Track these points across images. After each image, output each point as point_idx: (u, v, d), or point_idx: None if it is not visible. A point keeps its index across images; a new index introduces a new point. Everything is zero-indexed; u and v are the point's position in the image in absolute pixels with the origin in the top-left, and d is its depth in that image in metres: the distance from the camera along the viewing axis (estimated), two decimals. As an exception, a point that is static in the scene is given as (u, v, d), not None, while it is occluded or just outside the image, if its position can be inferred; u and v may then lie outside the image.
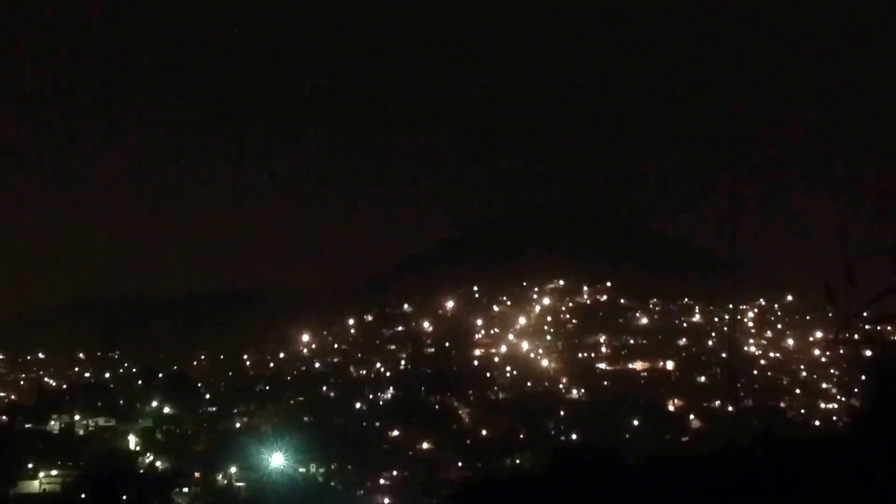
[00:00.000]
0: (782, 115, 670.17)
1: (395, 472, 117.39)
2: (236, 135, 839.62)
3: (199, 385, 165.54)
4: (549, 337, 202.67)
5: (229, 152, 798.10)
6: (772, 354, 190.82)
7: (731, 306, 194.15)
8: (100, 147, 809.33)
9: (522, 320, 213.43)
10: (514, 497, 37.56)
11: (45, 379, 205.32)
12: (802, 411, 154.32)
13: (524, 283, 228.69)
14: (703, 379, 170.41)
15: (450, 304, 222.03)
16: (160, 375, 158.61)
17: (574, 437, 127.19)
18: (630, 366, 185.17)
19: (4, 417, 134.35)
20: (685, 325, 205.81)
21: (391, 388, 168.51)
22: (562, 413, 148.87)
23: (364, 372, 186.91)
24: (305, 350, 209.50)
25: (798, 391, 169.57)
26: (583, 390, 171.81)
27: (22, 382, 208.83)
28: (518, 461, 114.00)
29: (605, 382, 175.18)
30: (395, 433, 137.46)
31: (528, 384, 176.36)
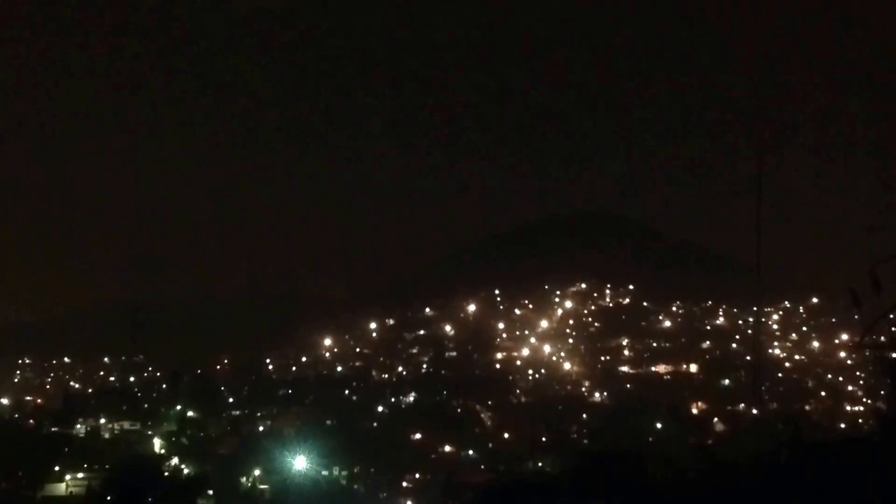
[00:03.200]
0: (809, 115, 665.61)
1: (417, 475, 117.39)
2: (262, 140, 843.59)
3: (223, 389, 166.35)
4: (571, 340, 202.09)
5: (253, 158, 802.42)
6: (797, 357, 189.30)
7: (755, 308, 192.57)
8: (124, 154, 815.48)
9: (544, 323, 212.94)
10: (537, 501, 37.52)
11: (71, 383, 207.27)
12: (828, 415, 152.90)
13: (546, 287, 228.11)
14: (727, 382, 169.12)
15: (471, 308, 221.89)
16: (184, 379, 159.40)
17: (596, 440, 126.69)
18: (653, 369, 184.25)
19: (31, 421, 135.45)
20: (709, 327, 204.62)
21: (413, 391, 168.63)
22: (584, 416, 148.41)
23: (386, 375, 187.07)
24: (327, 354, 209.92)
25: (823, 394, 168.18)
26: (605, 393, 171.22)
27: (48, 386, 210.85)
28: (540, 464, 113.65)
29: (628, 385, 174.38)
30: (418, 436, 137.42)
31: (551, 387, 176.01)
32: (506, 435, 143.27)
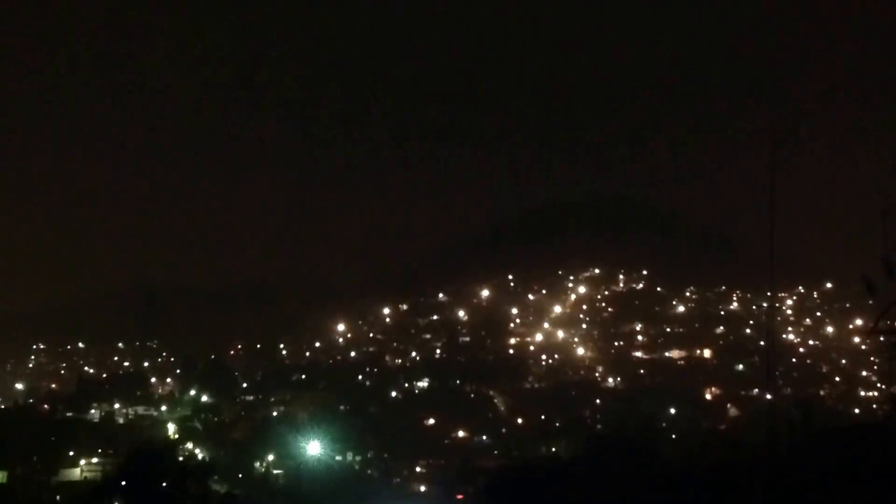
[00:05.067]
0: (822, 98, 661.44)
1: (430, 460, 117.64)
2: (274, 128, 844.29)
3: (236, 374, 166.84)
4: (584, 325, 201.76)
5: (264, 145, 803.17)
6: (811, 342, 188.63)
7: (769, 294, 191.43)
8: (136, 141, 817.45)
9: (558, 309, 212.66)
10: (550, 485, 37.52)
11: (85, 368, 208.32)
12: (842, 400, 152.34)
13: (559, 272, 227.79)
14: (740, 367, 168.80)
15: (485, 293, 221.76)
16: (198, 365, 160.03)
17: (610, 425, 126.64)
18: (666, 354, 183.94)
19: (46, 406, 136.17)
20: (722, 312, 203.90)
21: (426, 376, 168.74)
22: (597, 401, 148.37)
23: (399, 361, 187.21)
24: (341, 339, 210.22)
25: (837, 379, 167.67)
26: (619, 379, 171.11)
27: (63, 371, 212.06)
28: (553, 449, 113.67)
29: (642, 371, 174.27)
30: (431, 421, 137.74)
31: (564, 373, 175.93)
32: (519, 420, 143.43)
